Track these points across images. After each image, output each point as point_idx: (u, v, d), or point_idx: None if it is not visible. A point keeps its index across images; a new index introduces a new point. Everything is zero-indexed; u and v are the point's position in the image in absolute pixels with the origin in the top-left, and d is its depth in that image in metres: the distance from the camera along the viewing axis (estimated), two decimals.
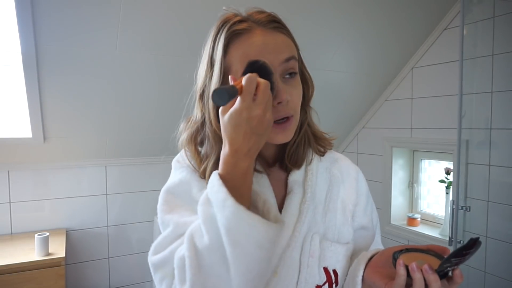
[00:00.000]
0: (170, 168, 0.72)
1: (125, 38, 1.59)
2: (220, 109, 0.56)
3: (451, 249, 0.65)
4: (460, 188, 1.79)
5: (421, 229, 2.25)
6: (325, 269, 0.68)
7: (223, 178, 0.54)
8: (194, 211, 0.59)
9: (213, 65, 0.65)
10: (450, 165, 2.14)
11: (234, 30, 0.63)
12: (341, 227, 0.72)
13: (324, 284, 0.67)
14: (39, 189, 2.03)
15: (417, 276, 0.52)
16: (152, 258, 0.61)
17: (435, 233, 2.17)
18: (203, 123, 0.67)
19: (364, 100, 2.50)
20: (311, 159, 0.75)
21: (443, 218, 2.19)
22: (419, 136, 2.23)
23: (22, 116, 1.76)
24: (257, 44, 0.62)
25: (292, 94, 0.63)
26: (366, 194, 0.80)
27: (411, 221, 2.31)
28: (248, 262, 0.51)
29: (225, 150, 0.56)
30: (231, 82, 0.58)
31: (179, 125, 0.73)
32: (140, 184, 2.28)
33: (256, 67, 0.59)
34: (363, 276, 0.65)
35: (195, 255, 0.53)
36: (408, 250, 0.60)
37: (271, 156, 0.73)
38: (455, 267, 0.53)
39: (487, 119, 1.81)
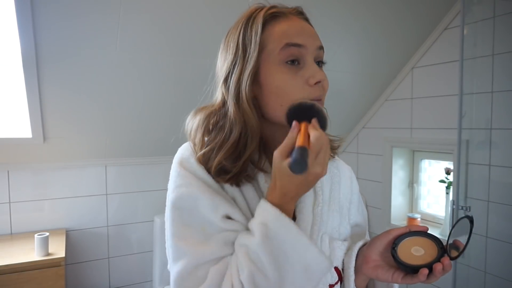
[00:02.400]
0: (170, 168, 0.70)
1: (125, 38, 1.59)
2: (276, 152, 0.55)
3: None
4: (460, 188, 1.79)
5: None
6: (336, 269, 0.69)
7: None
8: (205, 233, 0.60)
9: (246, 47, 0.63)
10: (450, 165, 2.14)
11: (272, 12, 0.64)
12: (340, 225, 0.74)
13: (336, 283, 0.68)
14: (39, 189, 2.03)
15: (440, 276, 0.58)
16: None
17: (435, 233, 2.15)
18: (222, 106, 0.66)
19: (364, 100, 2.50)
20: None
21: (443, 218, 2.18)
22: (419, 136, 2.23)
23: (22, 116, 1.76)
24: (297, 26, 0.64)
25: (324, 80, 0.64)
26: (358, 192, 0.83)
27: (411, 221, 2.31)
28: None
29: (273, 192, 0.57)
30: (293, 130, 0.56)
31: (186, 117, 0.71)
32: (140, 184, 2.28)
33: (311, 110, 0.58)
34: (364, 273, 0.67)
35: None
36: (399, 238, 0.63)
37: None
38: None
39: (487, 119, 1.81)
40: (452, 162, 2.08)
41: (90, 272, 2.17)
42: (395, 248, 0.61)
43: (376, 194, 2.52)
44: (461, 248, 0.60)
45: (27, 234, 1.94)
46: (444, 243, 0.62)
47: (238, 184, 0.63)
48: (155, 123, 2.03)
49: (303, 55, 0.63)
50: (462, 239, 0.60)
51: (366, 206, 2.60)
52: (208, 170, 0.63)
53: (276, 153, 0.55)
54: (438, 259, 0.58)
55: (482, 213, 1.83)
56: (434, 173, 2.34)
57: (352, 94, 2.42)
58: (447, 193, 2.14)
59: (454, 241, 0.61)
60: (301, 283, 0.54)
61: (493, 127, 1.80)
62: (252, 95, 0.64)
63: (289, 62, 0.62)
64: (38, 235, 1.68)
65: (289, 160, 0.51)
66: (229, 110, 0.64)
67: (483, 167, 1.83)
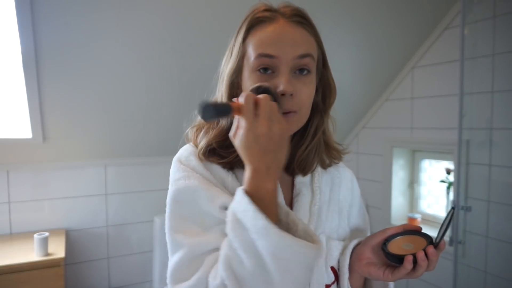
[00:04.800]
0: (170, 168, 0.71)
1: (125, 38, 1.59)
2: (231, 133, 0.56)
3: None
4: (460, 188, 1.79)
5: None
6: (332, 268, 0.69)
7: (252, 198, 0.52)
8: (203, 225, 0.59)
9: (233, 50, 0.66)
10: (450, 165, 2.14)
11: (258, 17, 0.64)
12: (339, 227, 0.74)
13: (333, 283, 0.69)
14: (39, 189, 2.02)
15: (424, 264, 0.59)
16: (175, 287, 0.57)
17: (435, 233, 2.15)
18: None
19: (364, 100, 2.50)
20: (316, 166, 0.74)
21: (443, 218, 2.18)
22: (419, 136, 2.23)
23: (22, 116, 1.76)
24: (274, 33, 0.62)
25: (300, 90, 0.62)
26: (359, 196, 0.83)
27: (412, 221, 2.31)
28: (295, 283, 0.51)
29: (246, 172, 0.55)
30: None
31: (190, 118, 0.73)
32: (140, 184, 2.28)
33: (261, 92, 0.58)
34: (357, 271, 0.68)
35: (237, 283, 0.51)
36: (392, 236, 0.65)
37: None
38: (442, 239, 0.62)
39: (487, 119, 1.80)
40: (452, 162, 2.07)
41: (89, 272, 2.17)
42: (386, 244, 0.63)
43: (376, 194, 2.52)
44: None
45: (27, 234, 1.94)
46: (436, 240, 0.63)
47: (231, 168, 0.65)
48: (155, 123, 2.03)
49: (277, 65, 0.61)
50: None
51: (367, 206, 2.60)
52: (202, 156, 0.65)
53: (230, 135, 0.57)
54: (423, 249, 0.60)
55: (482, 213, 1.83)
56: (434, 173, 2.34)
57: (352, 94, 2.42)
58: (448, 193, 2.14)
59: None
60: (275, 270, 0.50)
61: (493, 127, 1.80)
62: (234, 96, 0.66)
63: (261, 70, 0.62)
64: (37, 235, 1.67)
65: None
66: None
67: (483, 167, 1.83)
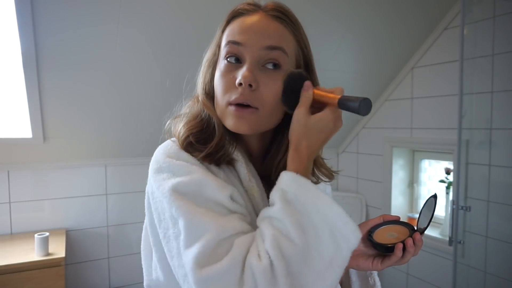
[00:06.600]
0: None
1: (125, 38, 1.59)
2: (300, 112, 0.58)
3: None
4: (460, 188, 1.79)
5: None
6: None
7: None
8: (216, 213, 0.53)
9: (212, 42, 0.67)
10: (450, 165, 2.14)
11: (239, 9, 0.63)
12: None
13: None
14: (39, 189, 2.03)
15: (412, 250, 0.61)
16: (203, 271, 0.48)
17: (435, 233, 2.17)
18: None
19: None
20: None
21: (443, 218, 2.18)
22: (419, 136, 2.23)
23: (22, 116, 1.76)
24: (245, 24, 0.60)
25: (264, 85, 0.58)
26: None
27: (411, 221, 2.31)
28: (339, 267, 0.52)
29: (296, 159, 0.56)
30: (308, 89, 0.61)
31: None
32: (140, 184, 2.26)
33: (298, 78, 0.61)
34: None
35: (285, 263, 0.48)
36: (373, 228, 0.67)
37: (259, 168, 0.68)
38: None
39: (487, 119, 1.80)
40: (452, 162, 2.08)
41: (90, 272, 2.17)
42: (371, 235, 0.65)
43: (376, 194, 2.52)
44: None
45: (27, 234, 1.94)
46: (415, 227, 0.67)
47: (217, 164, 0.61)
48: (155, 123, 2.02)
49: (242, 53, 0.59)
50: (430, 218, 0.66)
51: (366, 206, 2.60)
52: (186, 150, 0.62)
53: (301, 112, 0.57)
54: (410, 236, 0.63)
55: (482, 213, 1.83)
56: (434, 173, 2.34)
57: (352, 94, 2.42)
58: (447, 193, 2.14)
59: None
60: (328, 248, 0.50)
61: (493, 127, 1.80)
62: (211, 89, 0.66)
63: (229, 59, 0.60)
64: (38, 235, 1.67)
65: (352, 103, 0.56)
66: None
67: (483, 167, 1.83)
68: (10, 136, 1.80)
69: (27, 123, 1.76)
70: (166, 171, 0.58)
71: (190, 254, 0.50)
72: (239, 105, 0.58)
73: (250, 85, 0.57)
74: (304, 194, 0.51)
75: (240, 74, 0.57)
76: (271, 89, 0.59)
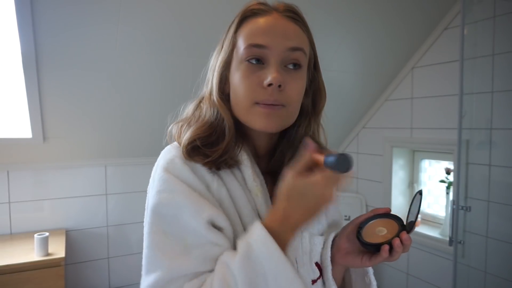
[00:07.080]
0: None
1: (125, 38, 1.59)
2: (290, 171, 0.54)
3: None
4: (460, 188, 1.79)
5: (421, 229, 2.24)
6: (316, 264, 0.70)
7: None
8: (185, 244, 0.56)
9: (224, 43, 0.66)
10: (450, 165, 2.14)
11: (252, 9, 0.64)
12: (318, 223, 0.75)
13: (318, 278, 0.69)
14: (39, 189, 2.03)
15: (400, 250, 0.60)
16: None
17: (435, 233, 2.17)
18: (209, 95, 0.68)
19: (364, 100, 2.50)
20: None
21: (443, 218, 2.18)
22: (419, 136, 2.23)
23: (22, 116, 1.76)
24: (266, 25, 0.61)
25: (290, 84, 0.61)
26: None
27: None
28: None
29: (274, 214, 0.54)
30: (309, 150, 0.55)
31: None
32: (140, 184, 2.28)
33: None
34: (337, 262, 0.69)
35: None
36: (363, 222, 0.67)
37: (265, 166, 0.71)
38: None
39: (487, 119, 1.80)
40: (452, 162, 2.07)
41: (90, 272, 2.17)
42: (360, 231, 0.65)
43: (376, 194, 2.52)
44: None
45: (27, 234, 1.94)
46: (405, 221, 0.67)
47: (218, 168, 0.62)
48: (155, 123, 2.03)
49: (267, 56, 0.60)
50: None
51: (366, 206, 2.61)
52: (186, 154, 0.61)
53: (290, 172, 0.54)
54: (397, 235, 0.62)
55: (482, 213, 1.83)
56: (434, 173, 2.34)
57: (352, 94, 2.42)
58: (447, 193, 2.14)
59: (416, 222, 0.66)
60: None
61: (493, 127, 1.80)
62: (227, 91, 0.66)
63: (251, 61, 0.61)
64: (38, 235, 1.67)
65: (331, 158, 0.50)
66: (211, 98, 0.67)
67: (483, 167, 1.83)
68: (10, 136, 1.79)
69: (27, 123, 1.76)
70: (155, 183, 0.61)
71: (145, 282, 0.58)
72: (269, 105, 0.60)
73: (279, 86, 0.59)
74: (269, 259, 0.51)
75: (269, 75, 0.59)
76: (295, 88, 0.62)
